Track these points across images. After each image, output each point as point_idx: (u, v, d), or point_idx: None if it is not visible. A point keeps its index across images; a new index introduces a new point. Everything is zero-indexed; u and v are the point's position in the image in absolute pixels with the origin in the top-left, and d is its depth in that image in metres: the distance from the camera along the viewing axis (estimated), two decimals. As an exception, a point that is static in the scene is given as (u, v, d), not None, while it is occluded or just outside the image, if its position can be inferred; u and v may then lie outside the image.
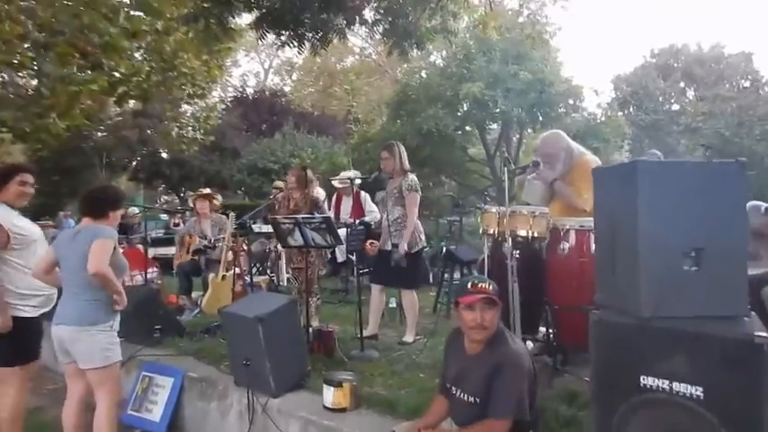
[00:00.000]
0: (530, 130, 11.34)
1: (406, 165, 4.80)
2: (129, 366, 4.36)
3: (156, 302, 5.13)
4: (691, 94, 21.91)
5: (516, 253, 3.48)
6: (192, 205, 6.86)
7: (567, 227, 3.51)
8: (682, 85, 22.35)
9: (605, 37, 38.24)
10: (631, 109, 17.41)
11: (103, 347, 3.09)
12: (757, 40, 43.61)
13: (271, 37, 5.45)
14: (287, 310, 3.61)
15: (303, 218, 4.37)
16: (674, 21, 42.62)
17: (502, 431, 2.22)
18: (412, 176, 4.74)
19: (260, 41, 5.36)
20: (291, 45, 4.98)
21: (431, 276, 7.84)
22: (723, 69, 23.48)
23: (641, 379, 1.92)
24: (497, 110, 10.09)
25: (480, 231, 3.86)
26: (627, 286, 1.97)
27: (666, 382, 1.87)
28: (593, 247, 3.50)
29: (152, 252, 8.79)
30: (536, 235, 3.52)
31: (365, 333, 4.58)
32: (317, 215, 4.70)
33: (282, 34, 4.90)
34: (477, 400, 2.34)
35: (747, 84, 20.74)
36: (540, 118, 10.59)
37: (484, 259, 6.11)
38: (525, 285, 3.59)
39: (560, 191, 3.86)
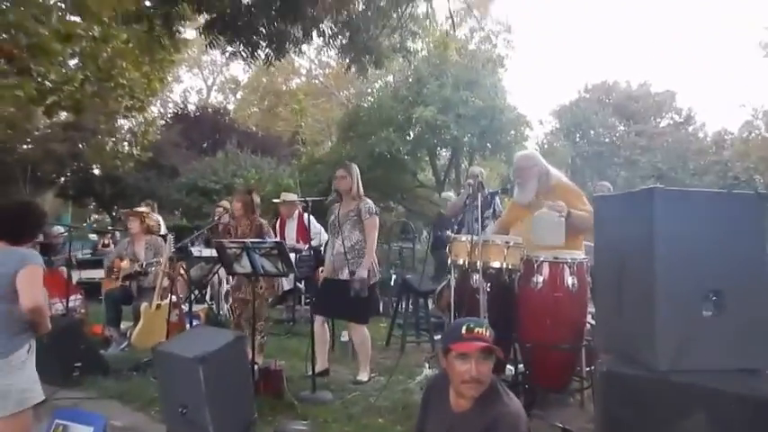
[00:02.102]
0: (478, 157, 11.33)
1: (361, 188, 4.52)
2: (40, 412, 3.75)
3: (77, 335, 4.53)
4: (621, 128, 22.95)
5: (487, 286, 3.24)
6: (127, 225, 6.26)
7: (541, 259, 3.29)
8: (612, 119, 23.46)
9: (541, 70, 40.02)
10: (577, 138, 17.98)
11: (20, 388, 2.59)
12: (679, 79, 46.67)
13: (219, 49, 5.10)
14: (233, 348, 3.18)
15: (252, 242, 3.95)
16: (605, 58, 45.03)
17: None
18: (369, 200, 4.48)
19: (208, 49, 4.94)
20: (243, 55, 4.61)
21: (380, 306, 7.51)
22: (651, 106, 24.92)
23: (657, 442, 1.66)
24: (448, 135, 10.00)
25: (448, 262, 3.58)
26: (639, 333, 1.72)
27: (688, 446, 1.62)
28: (567, 280, 3.30)
29: (77, 276, 8.01)
30: (510, 267, 3.27)
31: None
32: (267, 239, 4.29)
33: (234, 42, 4.52)
34: None
35: (680, 119, 21.98)
36: (489, 145, 10.60)
37: (442, 290, 5.91)
38: (494, 321, 3.33)
39: (577, 218, 3.48)
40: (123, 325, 5.57)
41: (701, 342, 1.65)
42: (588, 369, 3.76)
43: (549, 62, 44.32)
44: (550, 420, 3.33)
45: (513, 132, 10.69)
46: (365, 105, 11.52)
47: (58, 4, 8.38)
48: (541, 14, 44.41)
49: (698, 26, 44.30)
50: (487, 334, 2.04)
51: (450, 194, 7.55)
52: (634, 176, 12.84)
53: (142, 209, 6.10)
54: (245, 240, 4.06)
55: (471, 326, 2.05)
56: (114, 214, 22.53)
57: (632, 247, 1.75)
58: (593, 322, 3.47)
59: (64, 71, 10.41)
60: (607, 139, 17.55)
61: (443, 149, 11.55)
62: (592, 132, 18.60)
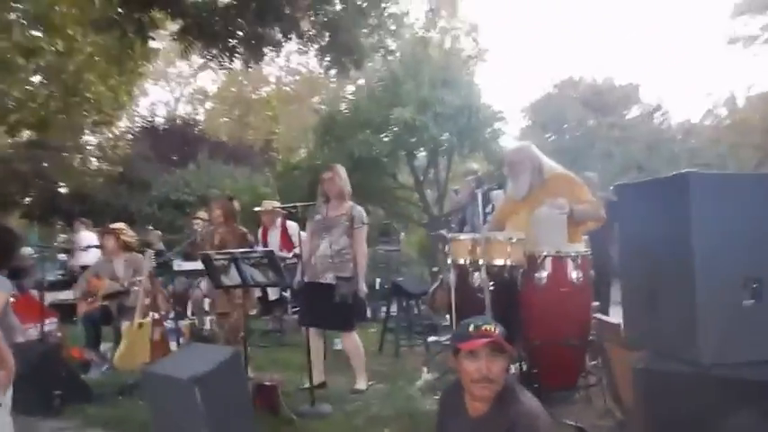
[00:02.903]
0: (457, 156, 11.29)
1: (350, 189, 4.40)
2: (22, 446, 3.51)
3: (55, 361, 4.27)
4: (591, 122, 23.30)
5: (491, 284, 3.13)
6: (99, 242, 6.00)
7: (544, 254, 3.20)
8: (582, 113, 23.80)
9: (506, 69, 40.27)
10: (550, 134, 18.18)
11: None
12: (642, 71, 47.51)
13: (195, 54, 4.92)
14: (230, 365, 3.00)
15: (241, 253, 3.78)
16: (568, 55, 45.57)
17: None
18: (361, 208, 4.36)
19: (183, 55, 4.74)
20: (221, 59, 4.43)
21: (368, 311, 7.37)
22: (619, 99, 25.44)
23: (703, 440, 1.57)
24: (426, 135, 9.92)
25: (449, 261, 3.46)
26: (676, 327, 1.63)
27: (736, 444, 1.53)
28: (571, 275, 3.22)
29: (49, 297, 7.66)
30: (514, 264, 3.17)
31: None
32: (258, 248, 4.13)
33: (210, 47, 4.35)
34: None
35: (651, 109, 22.47)
36: (468, 142, 10.55)
37: (435, 291, 5.80)
38: (498, 320, 3.23)
39: (578, 213, 3.46)
40: (102, 346, 5.32)
41: (743, 333, 1.57)
42: (593, 364, 3.70)
43: (513, 61, 44.69)
44: (560, 418, 3.24)
45: (490, 130, 10.67)
46: (342, 108, 11.37)
47: (20, 18, 8.05)
48: (500, 14, 44.77)
49: (660, 18, 45.29)
50: (496, 331, 1.94)
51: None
52: (611, 168, 13.01)
53: (117, 225, 5.81)
54: (234, 251, 3.89)
55: (479, 324, 1.98)
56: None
57: (665, 237, 1.66)
58: (599, 316, 3.42)
59: (28, 88, 10.04)
60: (580, 133, 17.82)
61: (421, 149, 11.48)
62: (565, 126, 18.82)
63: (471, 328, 1.98)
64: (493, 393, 1.93)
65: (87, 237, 9.43)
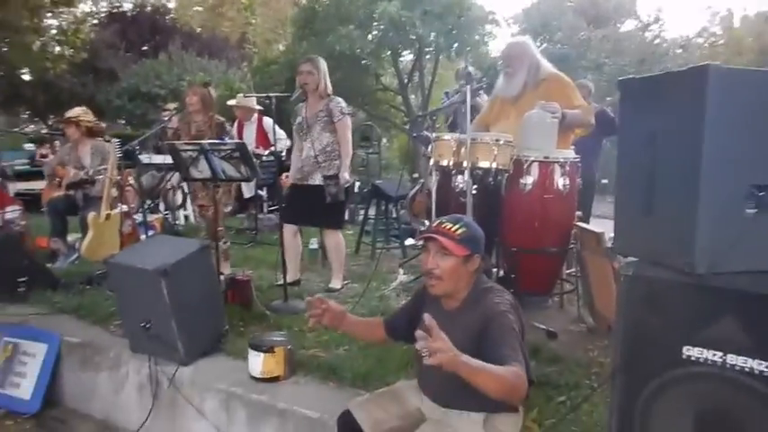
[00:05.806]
0: (444, 58, 10.80)
1: (329, 85, 4.13)
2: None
3: (17, 249, 4.18)
4: (583, 33, 22.60)
5: (474, 188, 3.01)
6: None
7: (532, 158, 3.06)
8: (576, 22, 23.00)
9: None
10: (539, 42, 17.54)
11: None
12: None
13: None
14: (197, 258, 2.90)
15: (211, 144, 3.56)
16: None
17: (523, 381, 1.62)
18: (340, 99, 4.11)
19: None
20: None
21: (347, 213, 7.29)
22: (613, 10, 24.55)
23: (684, 349, 1.53)
24: (413, 34, 9.39)
25: (431, 162, 3.31)
26: (673, 233, 1.53)
27: (719, 354, 1.48)
28: (558, 182, 3.12)
29: (14, 187, 7.40)
30: (500, 167, 3.04)
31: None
32: (228, 140, 3.90)
33: None
34: None
35: (649, 21, 21.78)
36: (456, 44, 10.05)
37: (414, 195, 5.70)
38: (479, 225, 3.15)
39: (569, 117, 3.29)
40: (70, 237, 5.17)
41: (741, 242, 1.47)
42: (569, 272, 3.71)
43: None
44: (532, 322, 3.27)
45: (480, 32, 10.14)
46: (323, 0, 10.63)
47: None
48: None
49: (662, -75, 42.65)
50: (457, 231, 1.83)
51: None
52: (600, 80, 12.67)
53: (73, 112, 5.37)
54: (203, 142, 3.66)
55: (444, 221, 1.90)
56: (50, 123, 21.01)
57: (672, 136, 1.52)
58: (580, 225, 3.37)
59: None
60: (571, 43, 17.20)
61: (407, 50, 10.91)
62: (558, 35, 18.14)
63: (435, 223, 1.92)
64: (442, 292, 1.88)
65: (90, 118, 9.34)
